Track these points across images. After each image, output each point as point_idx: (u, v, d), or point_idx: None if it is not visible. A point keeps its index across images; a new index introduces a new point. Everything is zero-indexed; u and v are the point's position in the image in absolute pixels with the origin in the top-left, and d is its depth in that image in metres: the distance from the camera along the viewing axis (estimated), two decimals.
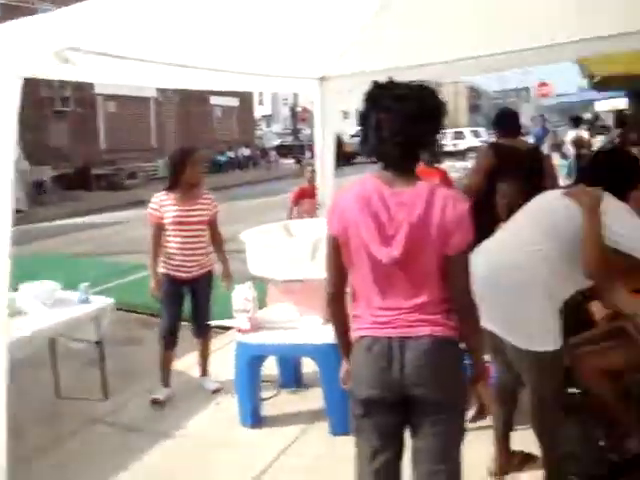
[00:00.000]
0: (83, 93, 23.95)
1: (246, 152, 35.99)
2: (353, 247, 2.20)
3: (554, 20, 3.88)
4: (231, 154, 34.19)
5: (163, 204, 4.39)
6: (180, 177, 4.37)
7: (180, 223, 4.37)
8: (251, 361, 4.01)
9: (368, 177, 2.21)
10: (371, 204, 2.14)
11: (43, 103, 22.73)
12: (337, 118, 5.43)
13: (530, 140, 13.84)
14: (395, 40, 4.16)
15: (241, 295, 4.00)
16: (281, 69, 4.72)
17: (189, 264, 4.42)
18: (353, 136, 44.08)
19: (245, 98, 35.37)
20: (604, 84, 18.64)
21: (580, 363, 3.23)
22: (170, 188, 4.42)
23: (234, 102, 34.89)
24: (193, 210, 4.41)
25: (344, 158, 38.13)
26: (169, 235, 4.40)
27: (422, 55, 4.49)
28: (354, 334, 2.30)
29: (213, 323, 4.58)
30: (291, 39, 3.99)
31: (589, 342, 3.36)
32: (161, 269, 4.45)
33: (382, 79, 2.17)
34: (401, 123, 2.10)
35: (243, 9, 3.20)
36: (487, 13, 3.75)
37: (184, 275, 4.43)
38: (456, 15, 3.84)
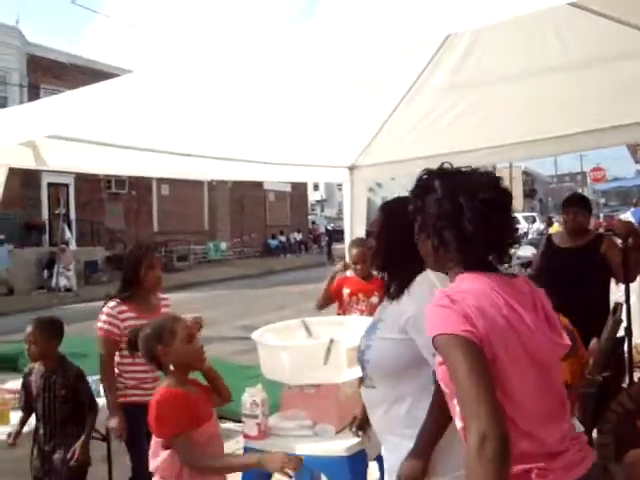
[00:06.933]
0: (138, 176, 24.67)
1: (298, 237, 36.22)
2: (510, 352, 1.66)
3: (605, 104, 3.74)
4: (282, 238, 34.46)
5: (122, 317, 3.62)
6: (137, 280, 3.69)
7: None
8: (259, 471, 3.60)
9: (480, 273, 1.78)
10: (517, 294, 1.74)
11: (99, 185, 23.51)
12: (364, 205, 5.27)
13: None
14: (423, 130, 4.08)
15: (250, 398, 3.65)
16: (315, 159, 4.74)
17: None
18: None
19: (298, 183, 34.80)
20: None
21: None
22: (125, 294, 3.69)
23: (287, 187, 35.40)
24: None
25: None
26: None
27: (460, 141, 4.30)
28: None
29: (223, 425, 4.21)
30: (324, 131, 4.05)
31: None
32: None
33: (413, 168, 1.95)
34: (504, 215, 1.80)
35: (277, 106, 3.49)
36: (533, 99, 3.65)
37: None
38: (494, 102, 3.75)
